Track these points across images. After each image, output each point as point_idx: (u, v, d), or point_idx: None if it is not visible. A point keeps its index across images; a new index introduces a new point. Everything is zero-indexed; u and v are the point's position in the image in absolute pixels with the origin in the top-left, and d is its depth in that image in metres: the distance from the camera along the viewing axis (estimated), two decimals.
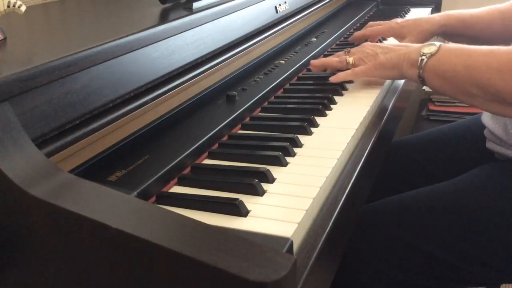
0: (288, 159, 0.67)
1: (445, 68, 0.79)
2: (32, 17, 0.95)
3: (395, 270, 0.84)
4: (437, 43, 0.82)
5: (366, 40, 1.13)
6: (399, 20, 1.14)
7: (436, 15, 1.12)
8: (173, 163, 0.62)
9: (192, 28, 0.80)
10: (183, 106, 0.77)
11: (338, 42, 1.26)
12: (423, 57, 0.81)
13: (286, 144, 0.69)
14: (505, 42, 0.92)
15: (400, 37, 1.11)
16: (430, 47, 0.82)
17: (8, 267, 0.51)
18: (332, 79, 0.91)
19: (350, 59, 0.92)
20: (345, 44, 1.24)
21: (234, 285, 0.39)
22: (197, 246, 0.41)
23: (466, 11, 1.10)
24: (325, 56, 1.13)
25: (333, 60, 0.95)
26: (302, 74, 1.03)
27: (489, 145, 0.93)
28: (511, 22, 1.05)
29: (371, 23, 1.17)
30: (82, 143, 0.58)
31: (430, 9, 1.66)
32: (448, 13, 1.11)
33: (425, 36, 1.08)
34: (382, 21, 1.16)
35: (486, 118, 0.92)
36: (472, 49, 0.78)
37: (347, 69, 0.92)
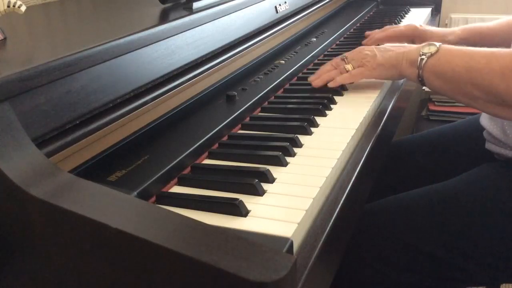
0: (288, 159, 0.67)
1: (445, 68, 0.79)
2: (32, 17, 0.95)
3: (395, 270, 0.84)
4: (437, 43, 0.82)
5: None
6: (423, 24, 1.14)
7: (456, 29, 1.13)
8: (173, 163, 0.62)
9: (192, 28, 0.80)
10: (183, 106, 0.77)
11: (338, 42, 1.26)
12: (423, 56, 0.81)
13: (286, 144, 0.69)
14: None
15: (421, 40, 1.10)
16: (430, 47, 0.82)
17: (8, 267, 0.51)
18: (330, 84, 0.91)
19: (349, 67, 0.91)
20: (346, 44, 1.24)
21: (234, 285, 0.39)
22: (197, 246, 0.41)
23: (483, 24, 1.11)
24: (326, 56, 1.14)
25: (332, 72, 0.92)
26: (302, 74, 1.02)
27: (488, 146, 0.93)
28: None
29: (387, 27, 1.18)
30: (82, 143, 0.58)
31: (430, 9, 1.67)
32: (467, 27, 1.12)
33: None
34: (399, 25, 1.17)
35: (484, 120, 0.92)
36: (473, 51, 0.78)
37: None
